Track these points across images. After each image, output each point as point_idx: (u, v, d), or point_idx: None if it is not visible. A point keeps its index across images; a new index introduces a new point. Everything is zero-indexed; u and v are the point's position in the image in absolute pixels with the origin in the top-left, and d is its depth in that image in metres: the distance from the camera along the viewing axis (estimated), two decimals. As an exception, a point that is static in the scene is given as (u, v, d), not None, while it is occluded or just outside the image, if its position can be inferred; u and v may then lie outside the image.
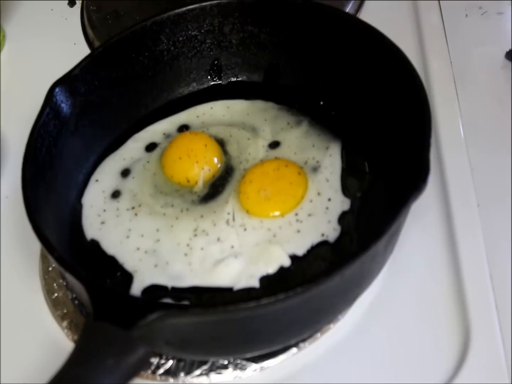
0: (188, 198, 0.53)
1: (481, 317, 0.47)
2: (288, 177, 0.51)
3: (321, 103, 0.58)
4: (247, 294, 0.47)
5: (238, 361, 0.47)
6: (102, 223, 0.52)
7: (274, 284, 0.47)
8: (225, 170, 0.54)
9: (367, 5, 0.72)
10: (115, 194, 0.54)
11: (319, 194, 0.51)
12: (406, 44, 0.50)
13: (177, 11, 0.57)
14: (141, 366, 0.39)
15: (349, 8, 0.71)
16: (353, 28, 0.53)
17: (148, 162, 0.56)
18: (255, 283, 0.47)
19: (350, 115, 0.55)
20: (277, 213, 0.50)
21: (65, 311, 0.51)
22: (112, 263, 0.50)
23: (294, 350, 0.47)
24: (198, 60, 0.60)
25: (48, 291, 0.52)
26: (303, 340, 0.47)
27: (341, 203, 0.51)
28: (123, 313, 0.38)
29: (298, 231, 0.49)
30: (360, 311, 0.49)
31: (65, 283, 0.52)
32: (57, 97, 0.51)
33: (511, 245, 0.51)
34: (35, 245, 0.49)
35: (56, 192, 0.51)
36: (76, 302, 0.51)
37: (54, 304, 0.52)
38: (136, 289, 0.48)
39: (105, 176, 0.55)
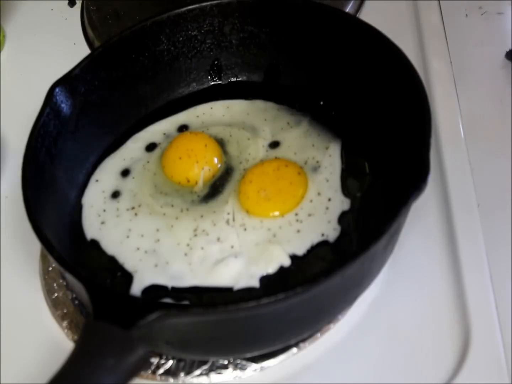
0: (188, 198, 0.53)
1: (481, 317, 0.47)
2: (288, 177, 0.51)
3: (321, 103, 0.58)
4: (247, 294, 0.47)
5: (238, 361, 0.47)
6: (102, 223, 0.52)
7: (274, 284, 0.47)
8: (225, 170, 0.54)
9: (367, 5, 0.72)
10: (115, 194, 0.54)
11: (319, 194, 0.51)
12: (406, 44, 0.50)
13: (177, 11, 0.57)
14: (141, 366, 0.39)
15: (349, 8, 0.71)
16: (353, 28, 0.53)
17: (148, 162, 0.56)
18: (255, 283, 0.47)
19: (350, 115, 0.55)
20: (277, 213, 0.50)
21: (65, 311, 0.51)
22: (112, 263, 0.50)
23: (294, 350, 0.47)
24: (198, 60, 0.60)
25: (48, 291, 0.52)
26: (303, 340, 0.47)
27: (341, 203, 0.51)
28: (123, 313, 0.38)
29: (298, 231, 0.49)
30: (360, 311, 0.49)
31: (65, 283, 0.52)
32: (57, 97, 0.51)
33: (511, 245, 0.51)
34: (35, 245, 0.49)
35: (56, 192, 0.51)
36: (76, 302, 0.51)
37: (54, 304, 0.52)
38: (136, 289, 0.48)
39: (105, 176, 0.55)
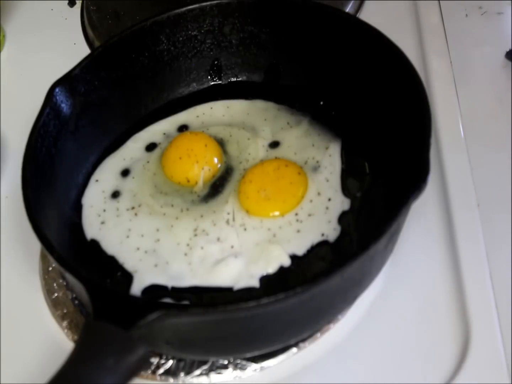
0: (188, 198, 0.53)
1: (481, 317, 0.47)
2: (288, 177, 0.51)
3: (321, 103, 0.58)
4: (247, 294, 0.47)
5: (238, 361, 0.47)
6: (102, 223, 0.52)
7: (274, 284, 0.47)
8: (225, 170, 0.54)
9: (367, 5, 0.72)
10: (115, 194, 0.54)
11: (319, 194, 0.51)
12: (406, 44, 0.50)
13: (177, 11, 0.57)
14: (141, 366, 0.39)
15: (349, 8, 0.71)
16: (353, 28, 0.53)
17: (148, 162, 0.56)
18: (255, 283, 0.47)
19: (350, 115, 0.55)
20: (277, 213, 0.50)
21: (65, 311, 0.51)
22: (112, 263, 0.50)
23: (294, 350, 0.47)
24: (198, 60, 0.60)
25: (48, 291, 0.52)
26: (303, 340, 0.47)
27: (341, 203, 0.51)
28: (123, 313, 0.38)
29: (298, 231, 0.49)
30: (360, 311, 0.49)
31: (65, 283, 0.52)
32: (57, 97, 0.51)
33: (511, 245, 0.51)
34: (35, 245, 0.49)
35: (56, 192, 0.51)
36: (76, 302, 0.51)
37: (54, 304, 0.52)
38: (136, 289, 0.48)
39: (105, 176, 0.55)
